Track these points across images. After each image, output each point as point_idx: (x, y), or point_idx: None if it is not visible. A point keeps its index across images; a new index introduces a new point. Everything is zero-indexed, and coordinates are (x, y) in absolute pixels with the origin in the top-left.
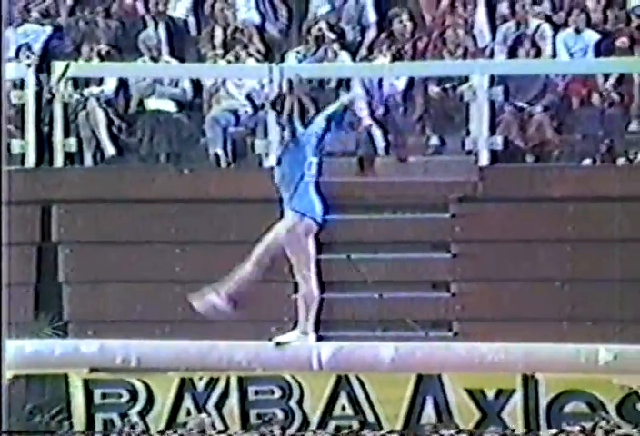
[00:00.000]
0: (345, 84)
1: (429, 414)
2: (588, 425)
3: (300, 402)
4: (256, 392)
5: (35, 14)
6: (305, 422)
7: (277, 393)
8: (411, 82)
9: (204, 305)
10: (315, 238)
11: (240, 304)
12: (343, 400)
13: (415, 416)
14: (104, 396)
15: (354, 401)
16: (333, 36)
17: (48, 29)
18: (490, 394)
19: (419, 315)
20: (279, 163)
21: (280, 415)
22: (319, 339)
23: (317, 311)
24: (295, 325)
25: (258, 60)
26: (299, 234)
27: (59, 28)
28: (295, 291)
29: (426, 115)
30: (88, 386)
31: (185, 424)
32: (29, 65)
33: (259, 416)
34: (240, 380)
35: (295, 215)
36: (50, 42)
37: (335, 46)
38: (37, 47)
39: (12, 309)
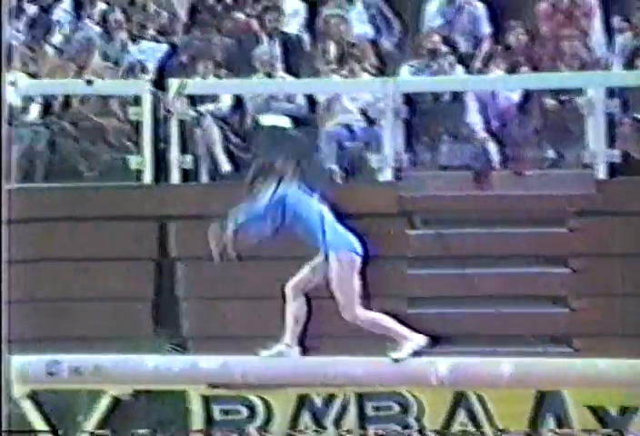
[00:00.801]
0: (459, 97)
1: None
2: None
3: (419, 419)
4: (375, 408)
5: (151, 31)
6: None
7: (396, 409)
8: (527, 94)
9: (276, 355)
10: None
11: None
12: (461, 416)
13: (537, 433)
14: (223, 412)
15: (473, 417)
16: (446, 49)
17: (164, 46)
18: (613, 411)
19: (538, 331)
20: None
21: (398, 431)
22: (304, 352)
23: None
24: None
25: (372, 74)
26: (347, 273)
27: (175, 45)
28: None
29: (543, 128)
30: (208, 402)
31: None
32: (146, 82)
33: (377, 433)
34: (358, 396)
35: (336, 255)
36: (166, 59)
37: (451, 59)
38: (153, 64)
39: (131, 324)
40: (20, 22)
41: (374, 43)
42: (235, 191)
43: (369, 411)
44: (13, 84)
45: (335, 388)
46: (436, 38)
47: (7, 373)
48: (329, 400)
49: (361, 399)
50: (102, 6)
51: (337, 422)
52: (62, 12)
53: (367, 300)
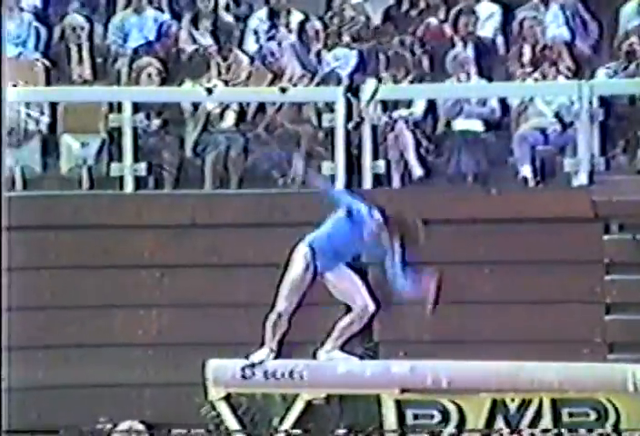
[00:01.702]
0: None
1: None
2: None
3: (616, 426)
4: (570, 415)
5: (345, 37)
6: None
7: (592, 416)
8: None
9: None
10: None
11: None
12: None
13: None
14: (415, 417)
15: None
16: None
17: (357, 53)
18: None
19: None
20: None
21: None
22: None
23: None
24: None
25: (567, 77)
26: None
27: (368, 51)
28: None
29: None
30: (400, 407)
31: None
32: (340, 89)
33: None
34: (553, 401)
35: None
36: (359, 65)
37: None
38: (347, 71)
39: (325, 329)
40: (205, 31)
41: (569, 45)
42: (428, 195)
43: (565, 418)
44: (209, 91)
45: (528, 393)
46: (634, 40)
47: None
48: (523, 405)
49: (555, 405)
50: (298, 15)
51: (532, 428)
52: (257, 20)
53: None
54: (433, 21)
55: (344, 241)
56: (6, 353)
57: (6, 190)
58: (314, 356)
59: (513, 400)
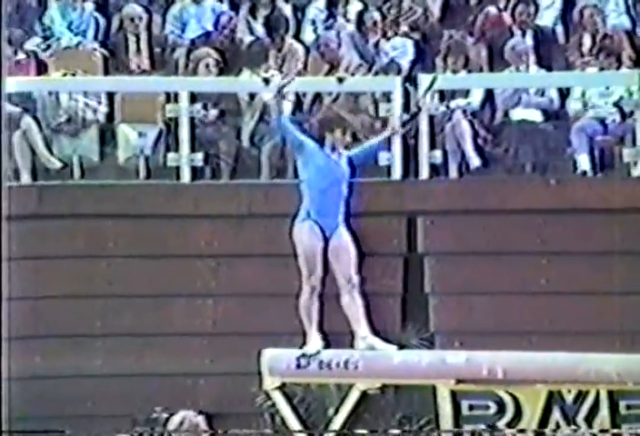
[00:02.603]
0: None
1: None
2: None
3: None
4: (628, 407)
5: (404, 27)
6: None
7: None
8: None
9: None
10: None
11: None
12: None
13: None
14: (471, 408)
15: None
16: None
17: (415, 43)
18: None
19: None
20: None
21: None
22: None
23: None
24: None
25: (628, 66)
26: None
27: (426, 41)
28: None
29: None
30: (455, 397)
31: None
32: (397, 78)
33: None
34: (610, 393)
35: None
36: (417, 55)
37: None
38: (405, 61)
39: (380, 319)
40: (257, 22)
41: (630, 34)
42: (485, 186)
43: (622, 410)
44: (267, 81)
45: (586, 385)
46: None
47: (259, 366)
48: (580, 397)
49: (613, 396)
50: (356, 5)
51: (589, 420)
52: (315, 10)
53: None
54: (492, 10)
55: (324, 183)
56: (65, 340)
57: (64, 179)
58: (351, 346)
59: (569, 391)
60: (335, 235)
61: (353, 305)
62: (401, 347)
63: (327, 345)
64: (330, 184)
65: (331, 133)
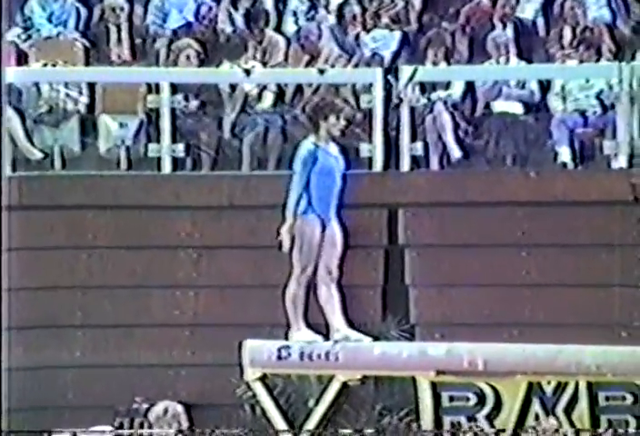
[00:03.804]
0: None
1: None
2: None
3: None
4: (607, 398)
5: (384, 19)
6: None
7: (629, 400)
8: None
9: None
10: None
11: None
12: None
13: None
14: (451, 399)
15: None
16: None
17: (397, 34)
18: None
19: None
20: None
21: (632, 422)
22: None
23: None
24: None
25: (608, 59)
26: None
27: (407, 33)
28: None
29: None
30: (435, 389)
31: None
32: (378, 70)
33: (610, 422)
34: (589, 385)
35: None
36: (398, 47)
37: None
38: (386, 53)
39: (360, 310)
40: (238, 12)
41: (610, 27)
42: (466, 178)
43: (601, 401)
44: (247, 72)
45: (565, 377)
46: None
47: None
48: (559, 388)
49: (592, 388)
50: None
51: (568, 412)
52: (297, 1)
53: None
54: (475, 1)
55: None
56: (46, 331)
57: (45, 169)
58: (326, 338)
59: (549, 383)
60: (329, 228)
61: (330, 297)
62: (376, 338)
63: (326, 337)
64: (328, 176)
65: (325, 120)
